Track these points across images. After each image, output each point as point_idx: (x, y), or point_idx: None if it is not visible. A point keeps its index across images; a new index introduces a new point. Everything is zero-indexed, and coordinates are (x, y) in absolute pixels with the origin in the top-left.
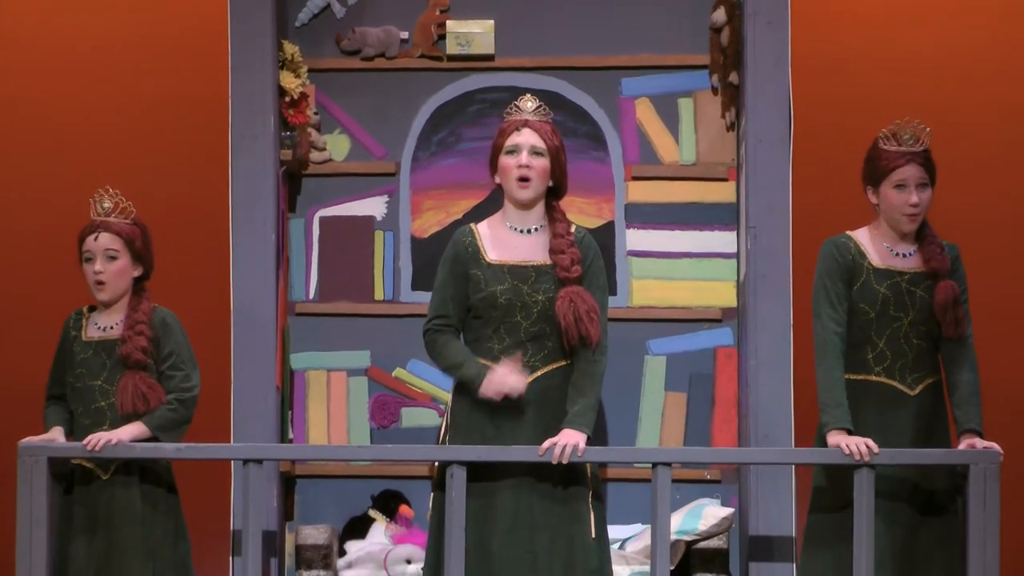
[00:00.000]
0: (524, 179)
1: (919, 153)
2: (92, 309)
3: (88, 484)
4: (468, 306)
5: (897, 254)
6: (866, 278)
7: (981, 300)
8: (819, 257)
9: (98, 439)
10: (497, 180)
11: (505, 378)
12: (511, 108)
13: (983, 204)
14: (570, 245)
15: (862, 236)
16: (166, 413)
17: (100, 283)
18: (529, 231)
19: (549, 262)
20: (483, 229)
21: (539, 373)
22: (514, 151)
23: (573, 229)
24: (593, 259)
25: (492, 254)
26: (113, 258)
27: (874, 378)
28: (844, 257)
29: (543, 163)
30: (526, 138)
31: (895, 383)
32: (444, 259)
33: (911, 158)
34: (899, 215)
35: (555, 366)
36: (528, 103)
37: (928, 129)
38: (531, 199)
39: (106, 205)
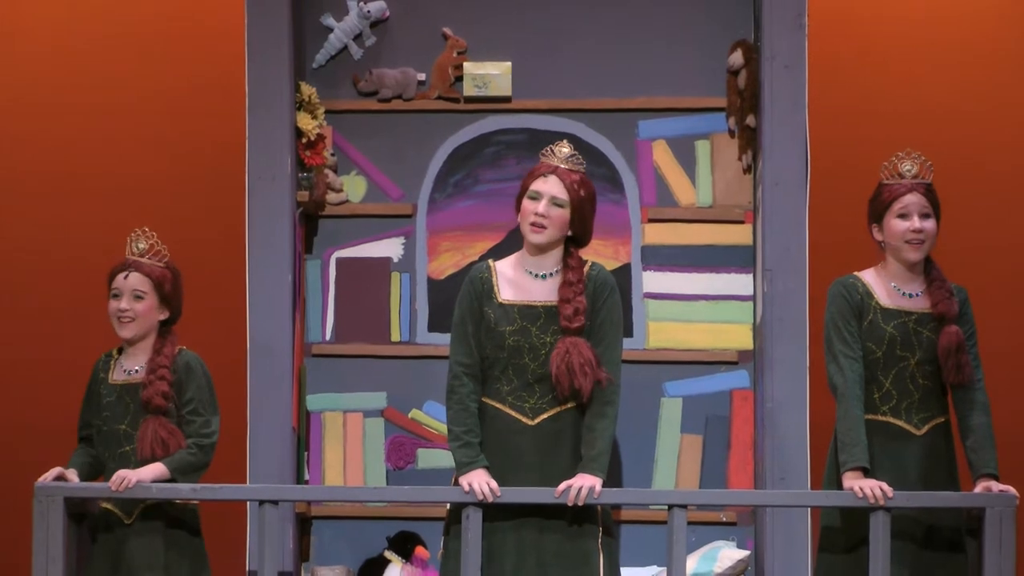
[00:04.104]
0: (537, 225)
1: (921, 183)
2: (121, 351)
3: (111, 531)
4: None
5: (904, 294)
6: (873, 317)
7: (995, 342)
8: (828, 299)
9: (121, 478)
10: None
11: (483, 484)
12: (547, 151)
13: (1000, 247)
14: (578, 295)
15: (869, 277)
16: (185, 456)
17: (123, 320)
18: (544, 276)
19: None
20: (500, 267)
21: (546, 415)
22: (535, 197)
23: (588, 267)
24: (608, 295)
25: (505, 293)
26: (139, 298)
27: (880, 418)
28: (853, 297)
29: (561, 214)
30: (549, 187)
31: (901, 423)
32: (461, 295)
33: (913, 187)
34: (903, 243)
35: (563, 408)
36: (563, 149)
37: (930, 163)
38: (543, 244)
39: (141, 246)
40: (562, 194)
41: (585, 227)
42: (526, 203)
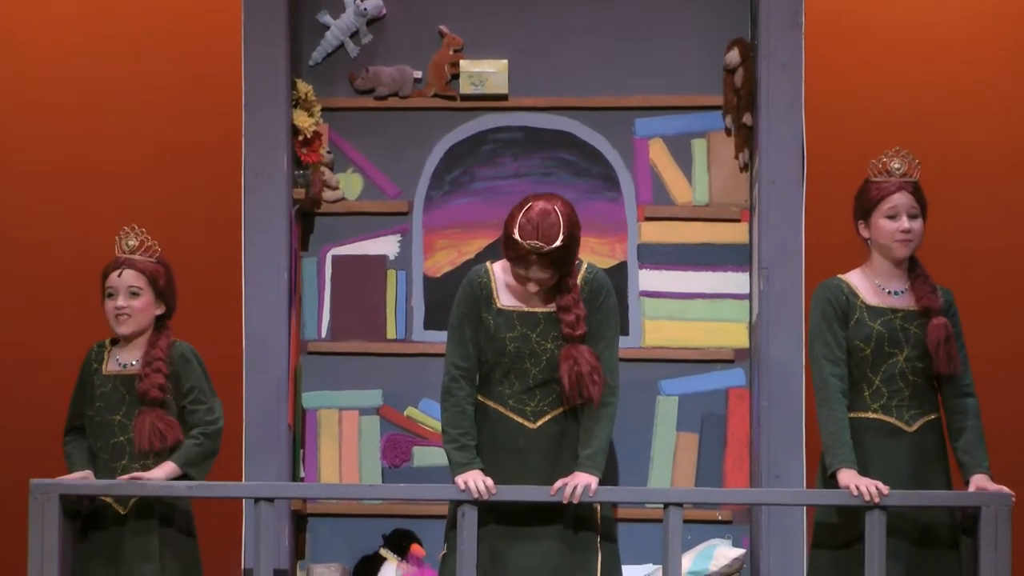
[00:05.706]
0: (538, 287)
1: (909, 182)
2: (114, 343)
3: (105, 528)
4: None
5: (889, 292)
6: (859, 316)
7: (985, 343)
8: (812, 302)
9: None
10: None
11: (479, 482)
12: (524, 229)
13: (995, 248)
14: (576, 303)
15: (853, 277)
16: (193, 448)
17: (120, 317)
18: None
19: None
20: (498, 271)
21: (547, 418)
22: (526, 279)
23: (584, 268)
24: (605, 298)
25: (504, 299)
26: (135, 295)
27: (871, 415)
28: (837, 299)
29: (552, 277)
30: (536, 273)
31: (892, 420)
32: (459, 298)
33: (901, 186)
34: (891, 242)
35: (563, 410)
36: (535, 243)
37: (918, 161)
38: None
39: (131, 243)
40: (544, 275)
41: (573, 259)
42: (518, 275)
